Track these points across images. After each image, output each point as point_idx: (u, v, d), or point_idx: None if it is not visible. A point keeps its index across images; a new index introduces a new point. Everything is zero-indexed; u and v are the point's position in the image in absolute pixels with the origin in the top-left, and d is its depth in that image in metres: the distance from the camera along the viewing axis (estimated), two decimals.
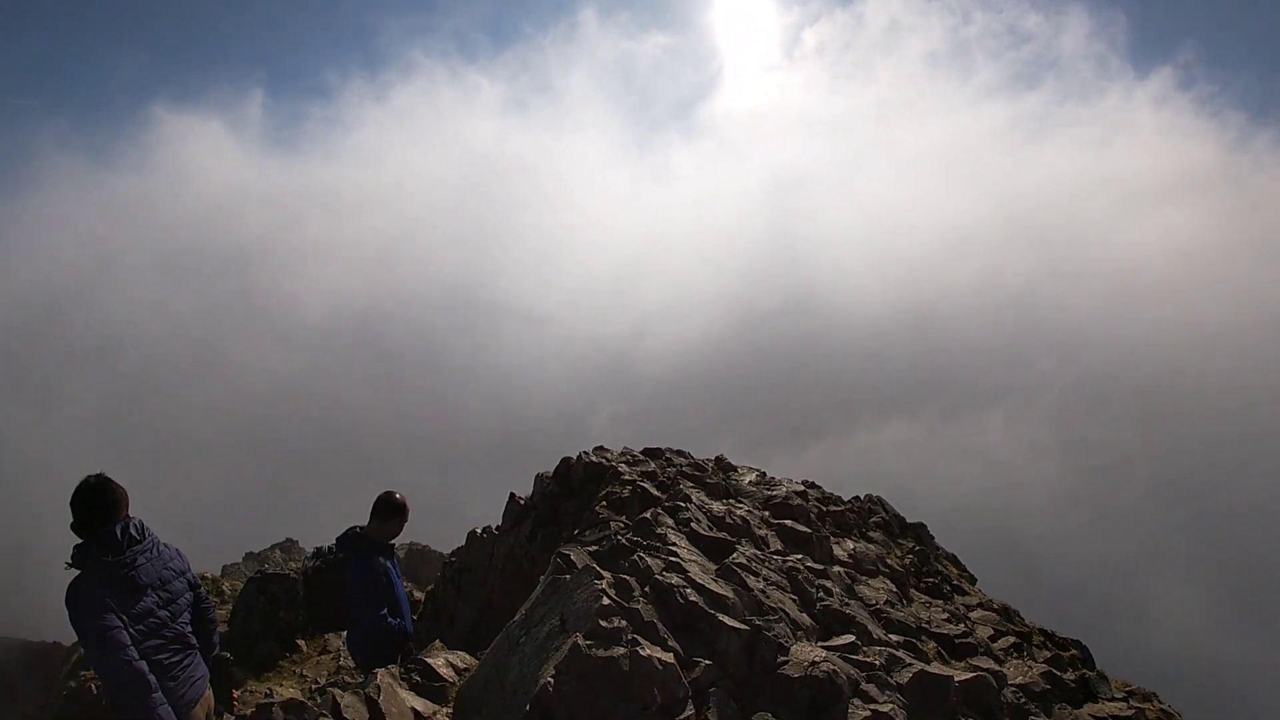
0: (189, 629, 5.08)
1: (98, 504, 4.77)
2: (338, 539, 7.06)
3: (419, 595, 16.61)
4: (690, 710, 4.33)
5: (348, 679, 5.32)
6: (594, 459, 11.61)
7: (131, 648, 4.54)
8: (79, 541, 4.71)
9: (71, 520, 4.74)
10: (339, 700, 4.78)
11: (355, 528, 7.08)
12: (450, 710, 5.32)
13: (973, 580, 10.96)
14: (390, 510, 7.08)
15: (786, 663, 4.89)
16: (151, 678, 4.54)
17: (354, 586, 6.69)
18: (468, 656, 6.14)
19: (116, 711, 4.78)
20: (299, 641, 13.77)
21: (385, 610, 6.62)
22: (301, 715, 4.69)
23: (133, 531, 4.84)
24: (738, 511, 7.98)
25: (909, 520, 11.91)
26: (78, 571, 4.65)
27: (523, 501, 12.89)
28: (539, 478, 12.57)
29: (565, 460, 12.12)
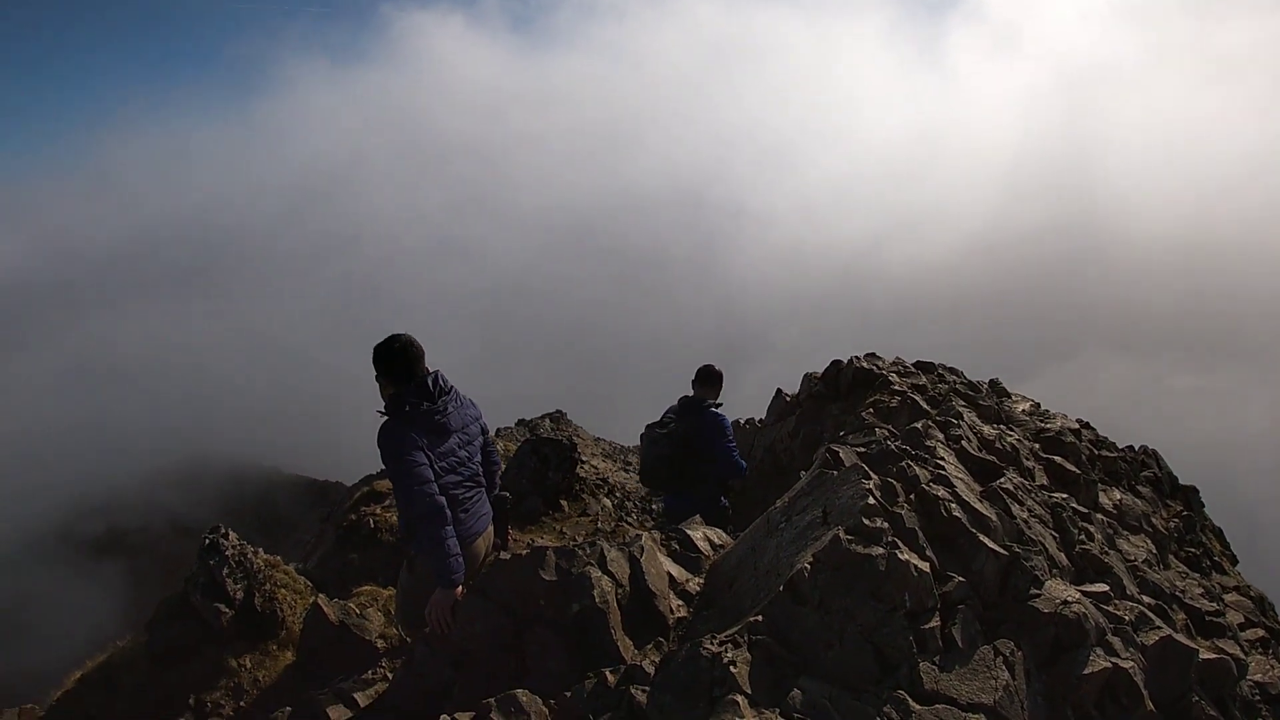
0: (480, 469, 5.72)
1: (410, 358, 5.38)
2: (680, 405, 8.82)
3: None
4: (936, 621, 4.36)
5: (605, 539, 5.74)
6: (864, 365, 11.52)
7: (434, 483, 5.12)
8: (393, 392, 5.32)
9: (382, 372, 5.38)
10: (605, 553, 5.18)
11: (686, 397, 8.82)
12: (702, 580, 5.63)
13: (1234, 561, 10.12)
14: (714, 378, 8.85)
15: (1038, 596, 4.76)
16: (447, 512, 5.11)
17: (717, 432, 8.50)
18: (723, 534, 6.43)
19: (409, 538, 5.45)
20: (562, 501, 14.82)
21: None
22: (571, 561, 5.12)
23: (440, 382, 5.46)
24: (1008, 438, 7.74)
25: (1182, 481, 11.10)
26: (385, 417, 5.26)
27: (788, 399, 13.05)
28: (807, 377, 12.66)
29: (835, 363, 12.11)
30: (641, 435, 9.27)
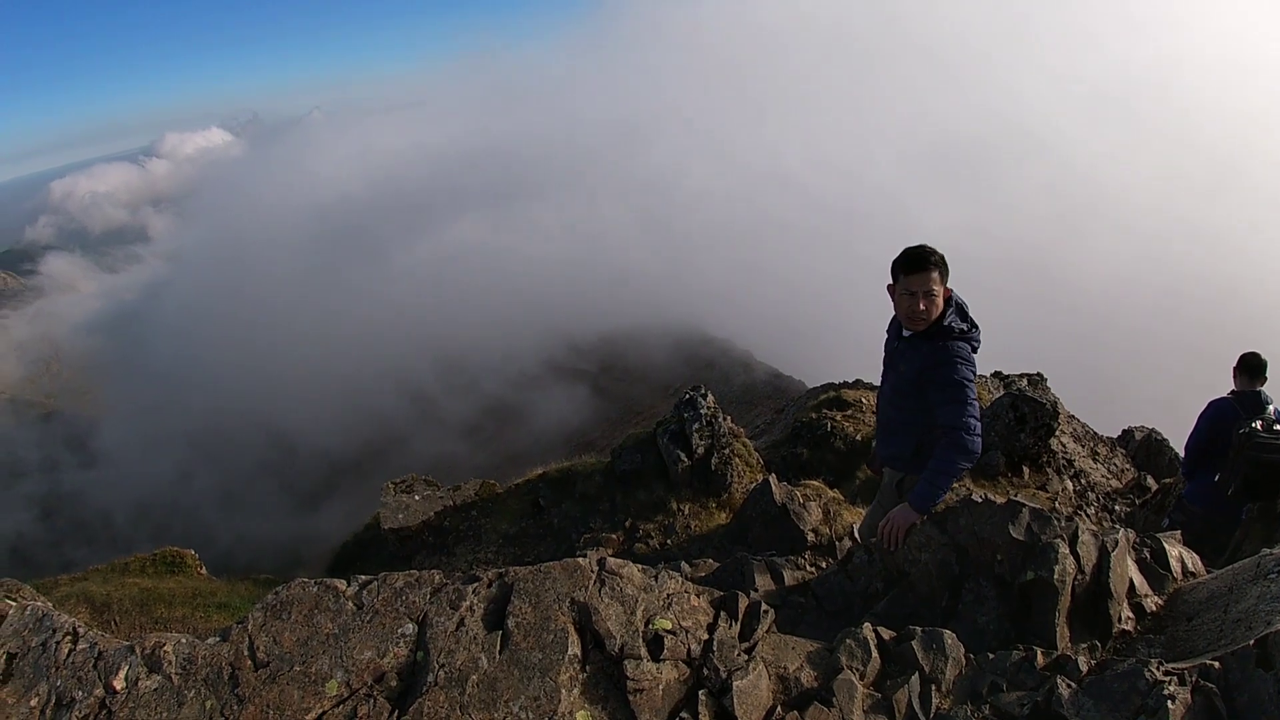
0: None
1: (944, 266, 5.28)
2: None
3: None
4: None
5: (1082, 519, 5.62)
6: None
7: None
8: (949, 307, 5.31)
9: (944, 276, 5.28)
10: (1080, 533, 5.09)
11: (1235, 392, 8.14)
12: (1162, 600, 5.38)
13: None
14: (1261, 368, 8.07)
15: None
16: (979, 453, 5.27)
17: None
18: (1198, 561, 6.04)
19: (916, 455, 5.65)
20: (1024, 467, 14.41)
21: None
22: (1044, 527, 5.08)
23: (965, 308, 5.44)
24: None
25: None
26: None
27: None
28: None
29: None
30: (1241, 436, 7.78)
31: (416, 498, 13.24)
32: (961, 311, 5.35)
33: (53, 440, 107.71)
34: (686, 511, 11.34)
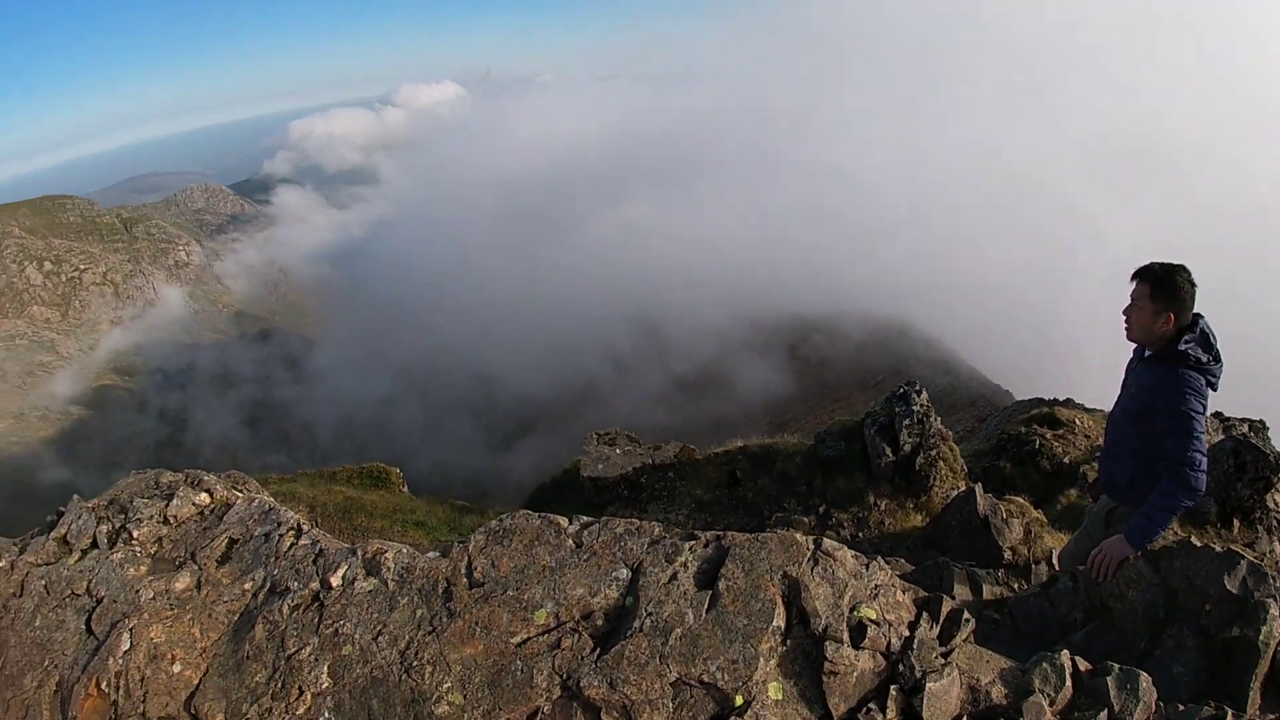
0: None
1: (1193, 297, 5.15)
2: None
3: None
4: None
5: None
6: None
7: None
8: (1179, 331, 5.17)
9: (1166, 300, 5.15)
10: None
11: None
12: None
13: None
14: None
15: None
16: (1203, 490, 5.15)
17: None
18: None
19: (1131, 487, 5.61)
20: (1235, 519, 13.69)
21: None
22: (1259, 583, 4.83)
23: (1213, 339, 5.24)
24: None
25: None
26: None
27: None
28: None
29: None
30: None
31: (618, 451, 13.87)
32: (1205, 341, 5.19)
33: (270, 356, 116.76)
34: (883, 507, 11.43)
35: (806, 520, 11.44)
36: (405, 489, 17.71)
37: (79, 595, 7.51)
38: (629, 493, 13.34)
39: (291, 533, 6.89)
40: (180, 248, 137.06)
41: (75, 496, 8.93)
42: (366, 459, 20.63)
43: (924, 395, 12.03)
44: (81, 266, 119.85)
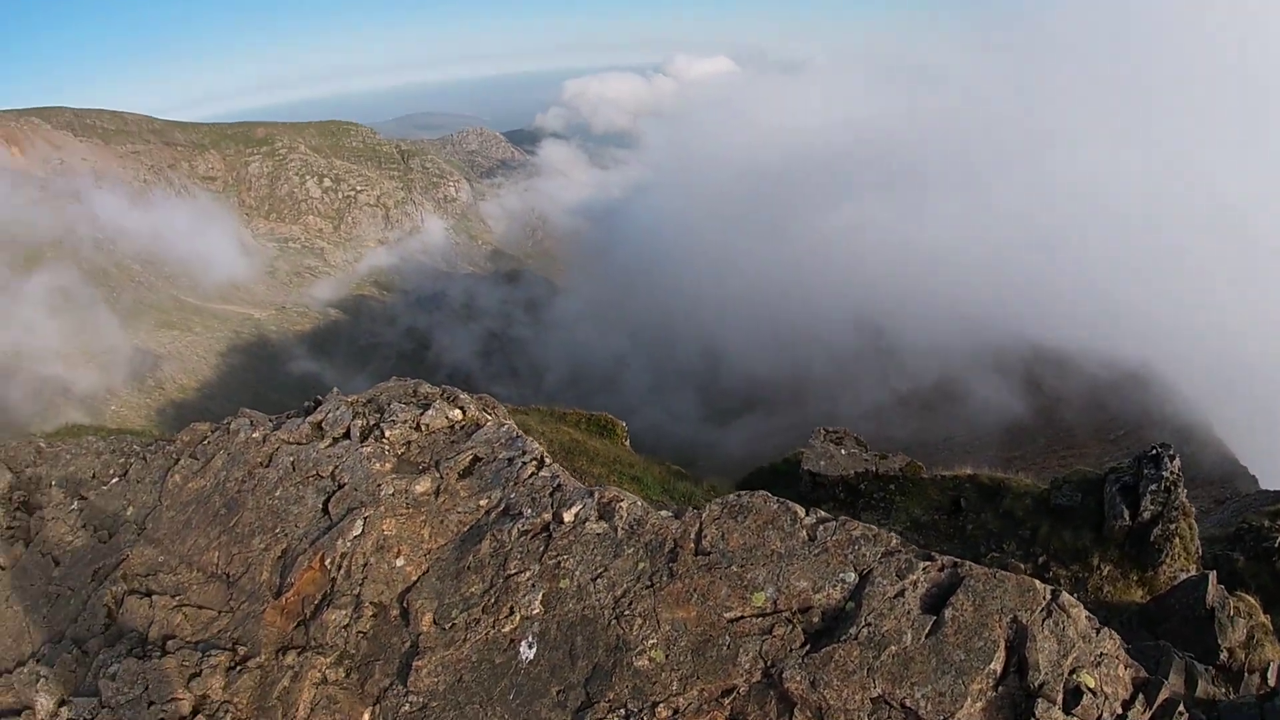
0: None
1: None
2: None
3: None
4: None
5: None
6: None
7: None
8: None
9: None
10: None
11: None
12: None
13: None
14: None
15: None
16: None
17: None
18: None
19: None
20: None
21: None
22: None
23: None
24: None
25: None
26: None
27: None
28: None
29: None
30: None
31: (843, 451, 13.64)
32: None
33: (515, 295, 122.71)
34: (1105, 573, 10.74)
35: (1023, 567, 10.88)
36: (627, 443, 18.11)
37: (322, 477, 8.16)
38: (845, 496, 13.10)
39: (534, 462, 7.20)
40: (450, 184, 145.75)
41: (335, 389, 9.69)
42: (588, 408, 21.25)
43: (1176, 463, 11.14)
44: (358, 188, 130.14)
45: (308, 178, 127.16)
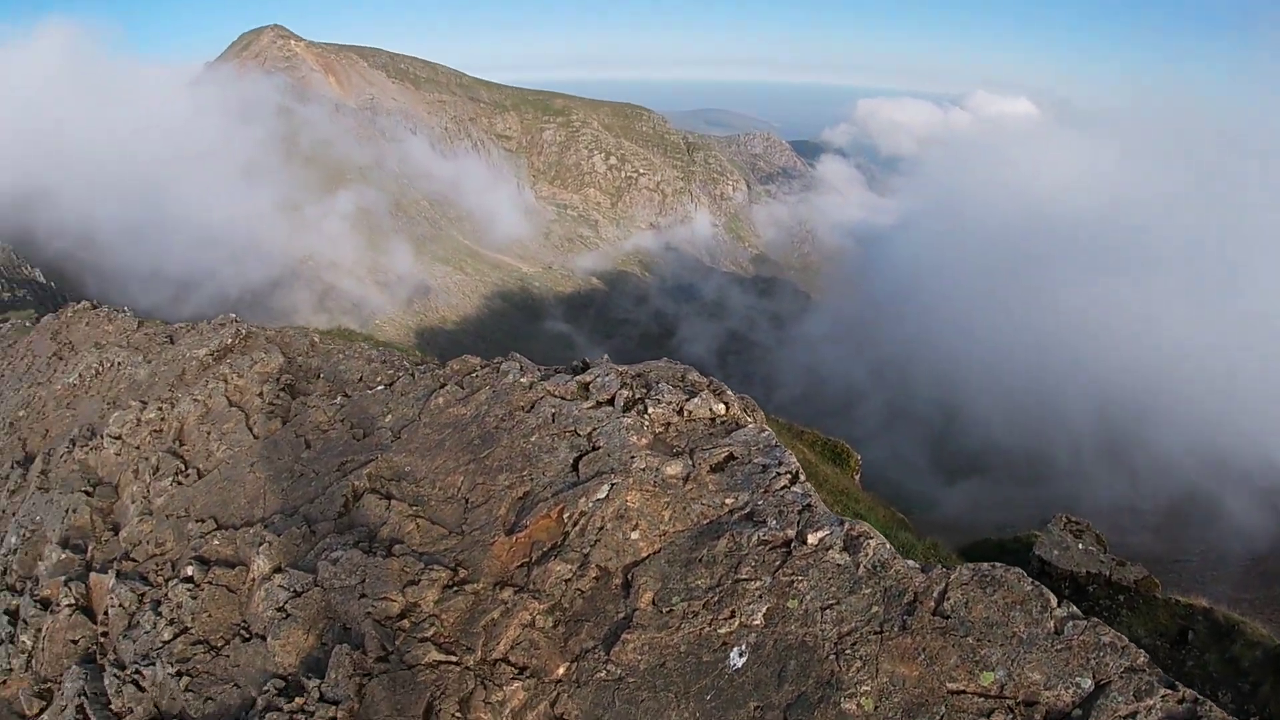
0: None
1: None
2: None
3: None
4: None
5: None
6: None
7: None
8: None
9: None
10: None
11: None
12: None
13: None
14: None
15: None
16: None
17: None
18: None
19: None
20: None
21: None
22: None
23: None
24: None
25: None
26: None
27: None
28: None
29: None
30: None
31: (1080, 546, 12.70)
32: None
33: (764, 305, 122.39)
34: None
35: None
36: (858, 477, 17.68)
37: (579, 435, 8.39)
38: (1071, 594, 12.15)
39: (788, 475, 7.11)
40: (729, 182, 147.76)
41: (605, 356, 9.99)
42: (819, 431, 20.84)
43: None
44: (640, 170, 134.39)
45: (595, 153, 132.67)
